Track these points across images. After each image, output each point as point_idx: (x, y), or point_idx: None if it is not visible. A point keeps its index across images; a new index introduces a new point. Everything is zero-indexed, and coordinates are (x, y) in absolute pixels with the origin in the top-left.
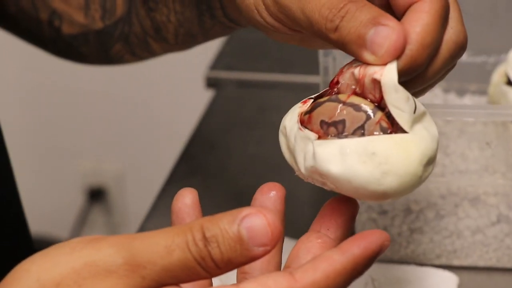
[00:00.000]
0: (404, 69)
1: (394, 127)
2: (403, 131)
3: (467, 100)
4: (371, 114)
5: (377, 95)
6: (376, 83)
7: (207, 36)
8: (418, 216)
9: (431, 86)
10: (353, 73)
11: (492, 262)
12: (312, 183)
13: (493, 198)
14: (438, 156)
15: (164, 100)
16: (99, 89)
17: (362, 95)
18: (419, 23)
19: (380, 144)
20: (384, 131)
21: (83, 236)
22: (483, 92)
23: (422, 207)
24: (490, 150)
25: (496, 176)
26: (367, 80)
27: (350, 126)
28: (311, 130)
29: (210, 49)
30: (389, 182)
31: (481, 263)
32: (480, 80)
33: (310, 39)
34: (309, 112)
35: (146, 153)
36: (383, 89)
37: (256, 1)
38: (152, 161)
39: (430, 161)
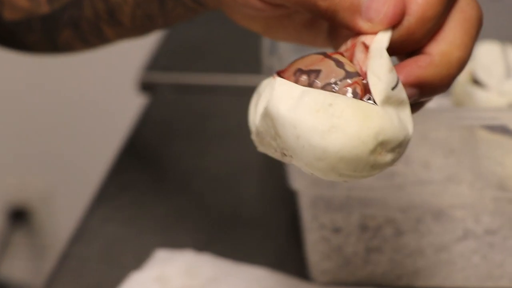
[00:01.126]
0: (399, 40)
1: (366, 98)
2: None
3: (431, 102)
4: (349, 75)
5: (364, 68)
6: (367, 52)
7: (167, 19)
8: (375, 234)
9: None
10: (345, 44)
11: (459, 283)
12: (264, 151)
13: (459, 211)
14: (397, 166)
15: (92, 107)
16: (21, 97)
17: (350, 61)
18: None
19: (342, 100)
20: (355, 96)
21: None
22: (446, 92)
23: (380, 223)
24: (455, 157)
25: (462, 186)
26: (357, 47)
27: (323, 78)
28: (283, 78)
29: (144, 47)
30: (334, 138)
31: (447, 283)
32: None
33: (280, 24)
34: (290, 64)
35: (74, 167)
36: (369, 54)
37: None
38: (81, 177)
39: (389, 148)
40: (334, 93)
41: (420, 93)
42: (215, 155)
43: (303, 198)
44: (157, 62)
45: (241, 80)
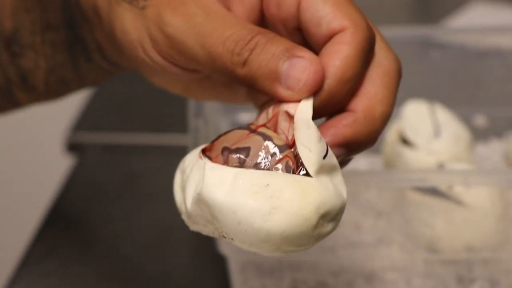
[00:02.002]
0: (321, 105)
1: (299, 171)
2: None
3: (362, 161)
4: (279, 149)
5: (290, 136)
6: (290, 120)
7: (83, 83)
8: None
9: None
10: (266, 113)
11: None
12: (198, 230)
13: (390, 273)
14: None
15: (15, 169)
16: None
17: (275, 131)
18: (339, 55)
19: (278, 179)
20: (288, 170)
21: None
22: (377, 150)
23: (311, 287)
24: (385, 219)
25: (393, 248)
26: (280, 116)
27: (253, 156)
28: (210, 158)
29: (70, 106)
30: (276, 220)
31: None
32: None
33: (199, 85)
34: (213, 141)
35: None
36: (295, 125)
37: (140, 36)
38: (3, 243)
39: (329, 218)
40: (268, 172)
41: (348, 152)
42: (144, 217)
43: (232, 263)
44: (84, 121)
45: (169, 139)
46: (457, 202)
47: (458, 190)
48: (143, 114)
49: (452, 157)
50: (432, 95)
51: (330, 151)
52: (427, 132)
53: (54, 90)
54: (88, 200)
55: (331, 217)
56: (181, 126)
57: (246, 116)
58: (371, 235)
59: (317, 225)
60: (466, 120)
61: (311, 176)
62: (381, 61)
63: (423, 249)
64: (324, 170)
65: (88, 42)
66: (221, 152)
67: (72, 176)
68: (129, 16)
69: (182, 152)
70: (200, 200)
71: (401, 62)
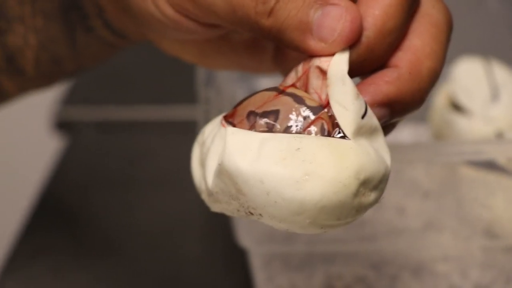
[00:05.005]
0: (359, 60)
1: (335, 133)
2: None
3: (406, 131)
4: (312, 110)
5: (324, 95)
6: (323, 77)
7: (78, 61)
8: None
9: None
10: (296, 71)
11: None
12: (220, 210)
13: (442, 265)
14: (367, 213)
15: None
16: None
17: (306, 91)
18: (379, 3)
19: (311, 142)
20: (322, 133)
21: None
22: (422, 118)
23: (348, 282)
24: (434, 201)
25: (445, 235)
26: (311, 73)
27: (283, 120)
28: (234, 125)
29: None
30: (310, 187)
31: None
32: None
33: (216, 49)
34: (236, 105)
35: None
36: (328, 81)
37: None
38: None
39: (371, 186)
40: (298, 135)
41: (391, 113)
42: (147, 207)
43: (254, 257)
44: (75, 95)
45: (175, 113)
46: None
47: None
48: (144, 84)
49: None
50: (489, 50)
51: (369, 111)
52: (483, 95)
53: (45, 73)
54: (81, 187)
55: (373, 184)
56: (189, 97)
57: (267, 82)
58: (417, 220)
59: (357, 193)
60: None
61: (349, 138)
62: (428, 11)
63: (480, 235)
64: (363, 132)
65: (87, 7)
66: (246, 117)
67: (62, 160)
68: None
69: (190, 127)
70: (222, 171)
71: (451, 12)
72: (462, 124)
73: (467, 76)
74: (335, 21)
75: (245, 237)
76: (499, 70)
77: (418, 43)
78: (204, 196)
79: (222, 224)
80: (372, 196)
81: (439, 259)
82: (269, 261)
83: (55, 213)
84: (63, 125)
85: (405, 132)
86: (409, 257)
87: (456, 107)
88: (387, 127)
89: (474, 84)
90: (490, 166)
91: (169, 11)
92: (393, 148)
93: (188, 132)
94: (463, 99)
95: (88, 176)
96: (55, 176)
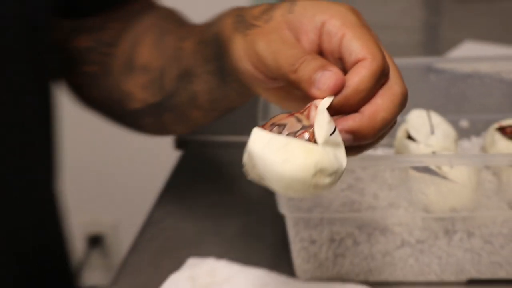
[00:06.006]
0: (339, 105)
1: (313, 142)
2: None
3: (379, 151)
4: (305, 127)
5: (314, 120)
6: (316, 110)
7: (227, 103)
8: (340, 244)
9: (376, 140)
10: (306, 106)
11: (400, 278)
12: (251, 177)
13: (398, 227)
14: (356, 196)
15: (139, 161)
16: (94, 149)
17: (307, 117)
18: (358, 75)
19: (294, 142)
20: (306, 139)
21: (85, 275)
22: (391, 145)
23: (343, 236)
24: (395, 190)
25: (400, 210)
26: (311, 108)
27: (287, 129)
28: (264, 129)
29: None
30: (287, 167)
31: (391, 278)
32: (388, 135)
33: (288, 93)
34: (269, 120)
35: (133, 203)
36: (316, 112)
37: (244, 52)
38: (140, 209)
39: (326, 174)
40: (290, 138)
41: (353, 139)
42: (238, 192)
43: (288, 220)
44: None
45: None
46: (444, 177)
47: (445, 169)
48: (226, 118)
49: (442, 149)
50: (429, 105)
51: (337, 132)
52: (425, 131)
53: (210, 107)
54: (193, 181)
55: (328, 173)
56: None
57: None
58: (385, 202)
59: (314, 175)
60: (454, 123)
61: (318, 144)
62: (392, 85)
63: (420, 211)
64: (330, 143)
65: (226, 68)
66: (270, 125)
67: (179, 165)
68: (239, 40)
69: None
70: (247, 152)
71: (407, 88)
72: (413, 147)
73: (416, 120)
74: (327, 78)
75: (283, 208)
76: (435, 117)
77: (379, 102)
78: (244, 168)
79: (273, 201)
80: (326, 180)
81: (396, 224)
82: (297, 222)
83: (176, 196)
84: (180, 144)
85: (379, 151)
86: (379, 223)
87: (409, 137)
88: (355, 149)
89: (420, 124)
90: (427, 170)
91: (250, 67)
92: (373, 159)
93: None
94: (413, 133)
95: (197, 175)
96: (175, 173)
